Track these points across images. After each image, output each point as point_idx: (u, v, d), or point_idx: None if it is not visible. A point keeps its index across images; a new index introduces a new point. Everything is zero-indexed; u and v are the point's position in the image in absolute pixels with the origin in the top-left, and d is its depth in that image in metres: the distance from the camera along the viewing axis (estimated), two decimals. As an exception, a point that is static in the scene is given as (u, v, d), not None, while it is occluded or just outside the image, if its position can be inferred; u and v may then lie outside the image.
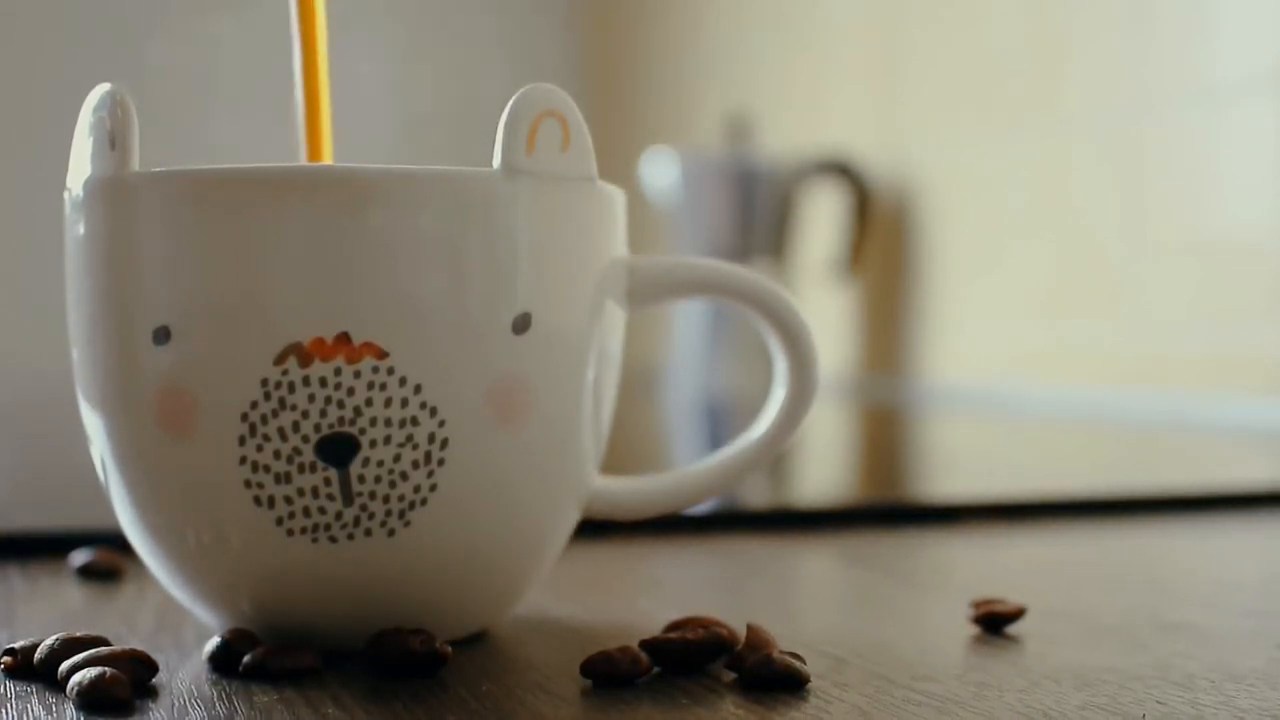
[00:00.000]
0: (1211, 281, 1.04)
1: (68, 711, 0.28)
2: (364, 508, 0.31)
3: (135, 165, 0.32)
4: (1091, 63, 1.18)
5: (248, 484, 0.31)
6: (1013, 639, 0.35)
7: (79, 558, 0.42)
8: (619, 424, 0.38)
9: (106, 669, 0.29)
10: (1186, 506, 0.57)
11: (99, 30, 1.91)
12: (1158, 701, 0.29)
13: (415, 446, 0.31)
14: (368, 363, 0.31)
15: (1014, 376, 1.22)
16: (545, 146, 0.32)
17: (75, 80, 0.71)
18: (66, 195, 0.33)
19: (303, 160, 0.35)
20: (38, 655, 0.30)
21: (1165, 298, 1.08)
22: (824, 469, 0.76)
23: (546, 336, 0.33)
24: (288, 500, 0.31)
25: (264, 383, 0.31)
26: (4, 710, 0.29)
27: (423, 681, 0.31)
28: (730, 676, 0.31)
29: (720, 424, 1.03)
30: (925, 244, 1.38)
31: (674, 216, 1.45)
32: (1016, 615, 0.36)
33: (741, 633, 0.32)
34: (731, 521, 0.52)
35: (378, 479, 0.31)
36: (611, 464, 0.37)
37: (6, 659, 0.31)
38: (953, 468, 0.80)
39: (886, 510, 0.56)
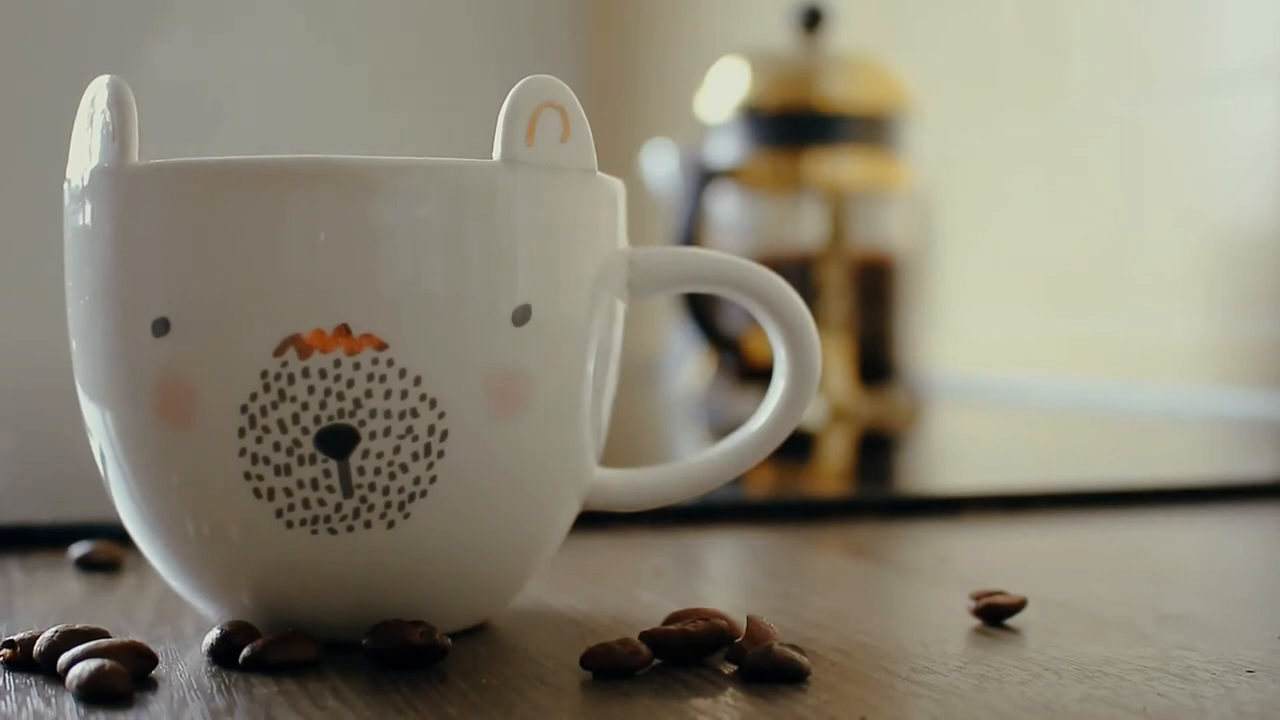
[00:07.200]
0: (1214, 271, 1.04)
1: (67, 703, 0.28)
2: (364, 499, 0.31)
3: (135, 156, 0.32)
4: (1092, 50, 1.17)
5: (247, 476, 0.31)
6: (1013, 630, 0.35)
7: (78, 549, 0.42)
8: (619, 415, 0.38)
9: (106, 661, 0.29)
10: (1188, 498, 0.57)
11: (100, 22, 1.91)
12: (1159, 694, 0.29)
13: (415, 438, 0.31)
14: (367, 354, 0.31)
15: (1014, 367, 1.22)
16: (545, 138, 0.32)
17: (76, 71, 0.71)
18: (66, 186, 0.33)
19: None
20: (37, 647, 0.30)
21: (1166, 287, 1.08)
22: (824, 460, 0.76)
23: (546, 328, 0.32)
24: (287, 492, 0.31)
25: (264, 374, 0.31)
26: (4, 702, 0.29)
27: (422, 673, 0.31)
28: (731, 668, 0.31)
29: (720, 416, 1.02)
30: (924, 234, 1.38)
31: (674, 208, 1.44)
32: (1017, 607, 0.36)
33: (742, 625, 0.32)
34: (731, 513, 0.52)
35: (377, 470, 0.31)
36: (611, 455, 0.37)
37: (6, 651, 0.31)
38: (953, 459, 0.80)
39: (887, 502, 0.56)
